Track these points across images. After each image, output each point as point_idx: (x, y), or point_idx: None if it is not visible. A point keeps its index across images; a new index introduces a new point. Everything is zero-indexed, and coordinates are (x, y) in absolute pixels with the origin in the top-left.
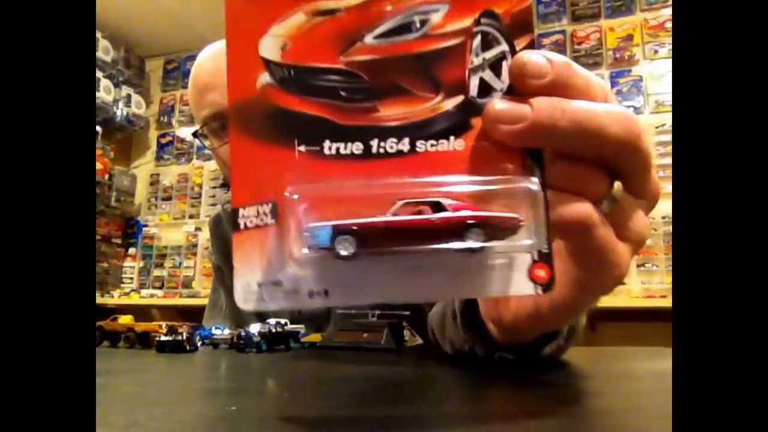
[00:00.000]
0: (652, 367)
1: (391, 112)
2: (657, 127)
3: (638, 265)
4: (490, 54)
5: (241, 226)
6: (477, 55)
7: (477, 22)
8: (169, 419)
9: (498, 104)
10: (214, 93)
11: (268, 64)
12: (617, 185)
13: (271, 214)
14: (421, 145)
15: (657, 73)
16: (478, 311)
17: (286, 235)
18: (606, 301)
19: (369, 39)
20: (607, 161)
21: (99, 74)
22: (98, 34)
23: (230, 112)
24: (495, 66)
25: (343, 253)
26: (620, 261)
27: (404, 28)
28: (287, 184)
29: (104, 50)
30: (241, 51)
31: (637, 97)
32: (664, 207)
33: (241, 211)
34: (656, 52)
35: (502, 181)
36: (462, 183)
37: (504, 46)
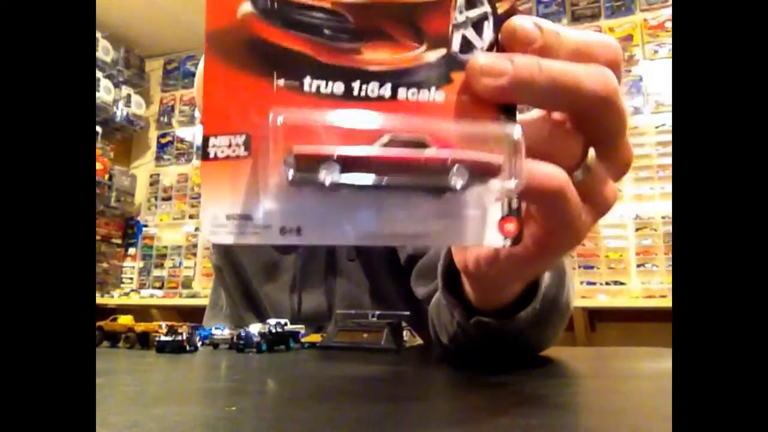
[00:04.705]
0: (652, 367)
1: (375, 56)
2: (657, 127)
3: (638, 265)
4: (473, 13)
5: (211, 155)
6: (461, 12)
7: None
8: (169, 419)
9: (482, 58)
10: None
11: None
12: (591, 154)
13: (244, 146)
14: (402, 92)
15: (657, 73)
16: (459, 275)
17: (261, 165)
18: (606, 301)
19: None
20: (583, 120)
21: (99, 74)
22: (98, 34)
23: (206, 39)
24: (477, 25)
25: (328, 180)
26: (582, 229)
27: None
28: (263, 117)
29: (104, 50)
30: None
31: (637, 97)
32: (664, 207)
33: (211, 140)
34: (656, 52)
35: (484, 127)
36: (448, 126)
37: (486, 7)
